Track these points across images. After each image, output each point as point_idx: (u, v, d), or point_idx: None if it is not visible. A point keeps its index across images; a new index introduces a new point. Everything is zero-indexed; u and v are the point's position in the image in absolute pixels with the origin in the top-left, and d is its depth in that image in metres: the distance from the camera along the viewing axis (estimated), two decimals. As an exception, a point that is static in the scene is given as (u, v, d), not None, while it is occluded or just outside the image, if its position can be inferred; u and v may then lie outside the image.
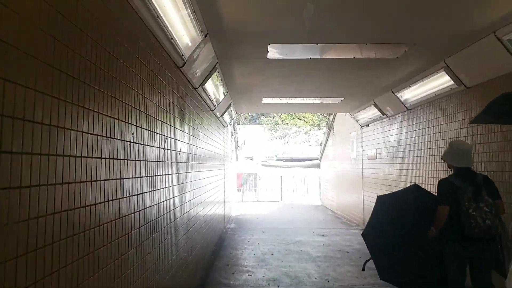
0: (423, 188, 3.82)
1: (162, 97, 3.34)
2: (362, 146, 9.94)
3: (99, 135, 1.92)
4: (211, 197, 7.14)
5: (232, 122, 12.53)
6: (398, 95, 6.86)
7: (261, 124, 30.54)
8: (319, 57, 4.89)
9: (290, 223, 10.69)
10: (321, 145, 15.86)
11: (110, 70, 2.09)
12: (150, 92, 2.93)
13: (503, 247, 3.15)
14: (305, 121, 30.07)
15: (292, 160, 25.60)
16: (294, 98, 8.04)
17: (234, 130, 13.56)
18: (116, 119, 2.18)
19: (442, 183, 3.37)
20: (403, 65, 5.37)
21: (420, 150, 6.55)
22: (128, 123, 2.38)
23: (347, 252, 7.08)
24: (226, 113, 8.85)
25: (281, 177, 18.51)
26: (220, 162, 8.97)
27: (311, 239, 8.26)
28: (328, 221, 11.19)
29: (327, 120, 14.54)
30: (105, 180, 1.98)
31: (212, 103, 6.34)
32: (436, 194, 3.49)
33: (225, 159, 10.18)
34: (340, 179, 12.41)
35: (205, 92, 5.39)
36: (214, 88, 6.00)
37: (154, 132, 3.00)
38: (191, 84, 4.67)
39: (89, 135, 1.80)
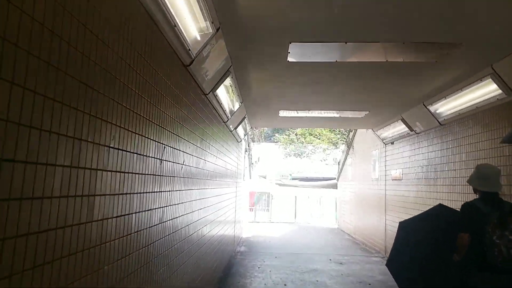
0: (449, 207, 3.63)
1: (162, 97, 2.77)
2: (385, 166, 9.19)
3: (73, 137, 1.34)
4: (220, 217, 6.51)
5: (246, 138, 11.97)
6: (431, 108, 6.17)
7: (276, 142, 30.08)
8: (345, 60, 4.29)
9: (304, 248, 9.88)
10: (338, 164, 15.09)
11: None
12: (145, 89, 2.37)
13: None
14: (320, 139, 29.49)
15: (307, 179, 24.79)
16: (313, 111, 7.42)
17: (248, 146, 12.98)
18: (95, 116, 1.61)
19: (465, 207, 3.15)
20: (440, 71, 4.72)
21: (455, 170, 5.80)
22: (108, 122, 1.80)
23: (369, 284, 6.28)
24: (240, 126, 8.28)
25: (295, 197, 17.70)
26: (232, 179, 8.36)
27: (328, 267, 7.47)
28: (346, 246, 10.34)
29: (346, 137, 13.82)
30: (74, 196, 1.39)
31: (225, 113, 5.77)
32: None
33: (237, 177, 9.55)
34: (360, 201, 11.59)
35: (217, 100, 4.83)
36: (227, 97, 5.45)
37: (147, 137, 2.42)
38: (201, 89, 4.12)
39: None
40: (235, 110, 6.25)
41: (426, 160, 6.84)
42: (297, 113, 7.57)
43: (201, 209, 4.60)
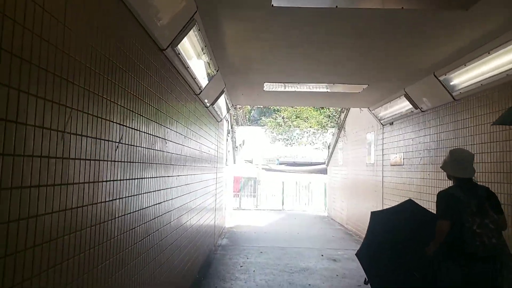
0: (419, 204, 3.76)
1: (100, 57, 1.67)
2: (382, 150, 8.24)
3: None
4: (196, 208, 5.51)
5: (228, 118, 10.86)
6: (443, 79, 5.16)
7: (263, 126, 29.04)
8: (346, 6, 3.21)
9: (293, 240, 8.96)
10: (328, 148, 14.16)
11: None
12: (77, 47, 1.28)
13: (503, 266, 2.86)
14: (308, 122, 28.51)
15: (294, 164, 23.93)
16: (303, 85, 6.35)
17: (231, 128, 11.89)
18: None
19: (442, 196, 3.07)
20: (464, 29, 3.70)
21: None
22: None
23: None
24: (219, 102, 7.18)
25: (283, 182, 16.78)
26: (211, 164, 7.31)
27: (320, 265, 6.54)
28: (339, 238, 9.45)
29: (337, 119, 12.82)
30: None
31: (196, 82, 4.66)
32: (432, 211, 3.30)
33: (218, 161, 8.50)
34: (352, 187, 10.69)
35: (181, 61, 3.72)
36: (197, 60, 4.32)
37: (92, 114, 1.36)
38: (155, 42, 3.00)
39: None
40: (209, 79, 5.14)
41: (434, 143, 5.87)
42: (285, 87, 6.49)
43: (167, 200, 3.60)
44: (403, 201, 3.81)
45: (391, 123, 7.75)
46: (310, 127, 29.09)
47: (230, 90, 6.97)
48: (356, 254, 3.69)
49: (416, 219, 3.46)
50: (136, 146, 2.65)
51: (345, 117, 11.61)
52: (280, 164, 23.67)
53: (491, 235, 2.80)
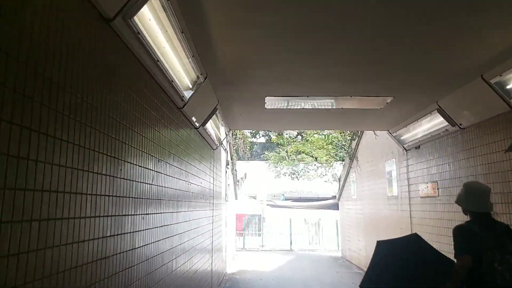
0: (424, 240, 3.61)
1: None
2: (408, 179, 6.98)
3: None
4: (187, 251, 4.27)
5: (227, 147, 9.72)
6: (496, 81, 4.03)
7: (266, 160, 27.94)
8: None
9: (305, 289, 7.50)
10: (339, 181, 12.86)
11: None
12: None
13: None
14: (313, 156, 27.42)
15: (301, 199, 22.48)
16: (312, 100, 5.25)
17: (231, 159, 10.72)
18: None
19: (458, 230, 2.84)
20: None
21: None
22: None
23: None
24: (214, 125, 6.07)
25: (290, 220, 15.32)
26: (205, 200, 6.11)
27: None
28: (359, 285, 7.94)
29: (347, 148, 11.61)
30: None
31: (175, 88, 3.56)
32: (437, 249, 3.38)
33: (215, 196, 7.27)
34: (371, 224, 9.31)
35: (143, 45, 2.60)
36: (170, 50, 3.20)
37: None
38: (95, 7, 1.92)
39: None
40: (195, 88, 4.05)
41: (482, 167, 4.64)
42: (288, 104, 5.38)
43: (141, 246, 2.41)
44: (408, 234, 3.63)
45: (417, 147, 6.55)
46: (316, 159, 27.92)
47: (225, 110, 5.86)
48: (360, 286, 3.48)
49: (422, 255, 3.35)
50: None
51: (357, 145, 10.43)
52: (286, 199, 22.23)
53: None
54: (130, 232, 2.54)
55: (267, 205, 18.61)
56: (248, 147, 33.93)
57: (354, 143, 10.75)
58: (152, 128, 3.13)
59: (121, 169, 2.36)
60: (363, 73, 4.24)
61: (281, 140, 29.62)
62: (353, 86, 4.72)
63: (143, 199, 2.90)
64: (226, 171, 9.58)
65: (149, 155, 3.01)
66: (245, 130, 16.46)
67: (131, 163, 2.56)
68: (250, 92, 4.93)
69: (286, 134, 32.26)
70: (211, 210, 6.69)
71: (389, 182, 8.01)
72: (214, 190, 7.16)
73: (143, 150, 2.85)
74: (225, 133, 7.14)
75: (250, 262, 11.26)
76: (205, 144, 6.01)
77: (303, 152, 26.85)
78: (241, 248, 14.50)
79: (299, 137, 32.30)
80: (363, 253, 9.91)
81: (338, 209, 19.08)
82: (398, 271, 3.26)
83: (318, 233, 15.63)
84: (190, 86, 4.03)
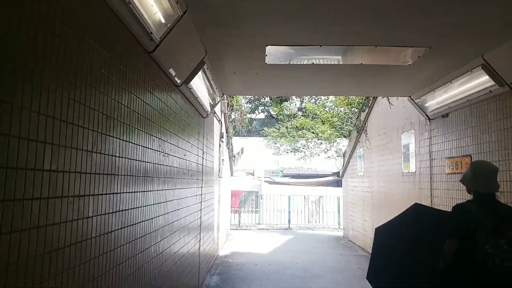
0: (427, 206, 3.78)
1: None
2: (430, 154, 6.00)
3: None
4: (165, 239, 3.33)
5: (222, 118, 8.66)
6: None
7: (265, 136, 26.99)
8: None
9: (309, 278, 6.64)
10: (343, 157, 11.89)
11: None
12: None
13: None
14: (314, 132, 26.43)
15: (299, 176, 21.63)
16: (322, 55, 4.16)
17: (226, 132, 9.69)
18: None
19: (456, 210, 2.80)
20: None
21: None
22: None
23: None
24: (201, 85, 5.00)
25: (289, 197, 14.46)
26: (193, 177, 5.16)
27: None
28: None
29: (355, 120, 10.56)
30: None
31: (143, 23, 2.50)
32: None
33: (205, 172, 6.31)
34: (380, 203, 8.40)
35: None
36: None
37: None
38: None
39: None
40: (170, 24, 2.96)
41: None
42: (293, 57, 4.29)
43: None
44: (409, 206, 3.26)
45: (445, 116, 5.52)
46: (317, 135, 26.88)
47: (216, 66, 4.76)
48: (367, 278, 3.26)
49: (426, 223, 3.06)
50: None
51: (367, 116, 9.39)
52: (284, 176, 21.35)
53: (504, 257, 2.48)
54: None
55: (265, 181, 17.73)
56: (247, 121, 32.78)
57: (363, 115, 9.71)
58: (114, 83, 2.10)
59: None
60: (396, 14, 3.16)
61: (281, 116, 28.53)
62: (381, 32, 3.62)
63: (92, 174, 1.91)
64: (220, 145, 8.57)
65: (110, 118, 1.99)
66: (243, 103, 15.25)
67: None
68: (247, 39, 3.82)
69: (287, 110, 31.17)
70: (199, 187, 5.73)
71: (405, 157, 7.03)
72: (204, 165, 6.17)
73: (100, 111, 1.82)
74: (218, 99, 6.07)
75: (245, 242, 10.43)
76: (191, 109, 4.96)
77: (304, 128, 25.83)
78: (237, 227, 13.70)
79: (300, 113, 31.24)
80: (369, 233, 9.05)
81: (338, 186, 18.33)
82: (400, 254, 3.06)
83: (318, 211, 14.82)
84: (163, 21, 2.95)
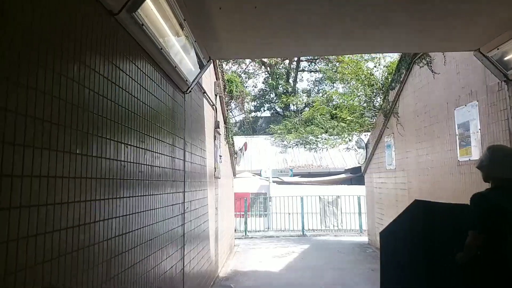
0: (430, 201, 3.49)
1: None
2: (510, 130, 4.16)
3: None
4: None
5: (216, 101, 6.87)
6: None
7: (271, 134, 25.24)
8: None
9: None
10: (365, 148, 10.04)
11: None
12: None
13: None
14: (321, 127, 24.88)
15: (310, 175, 19.74)
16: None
17: (224, 121, 7.90)
18: None
19: (476, 200, 2.58)
20: None
21: None
22: None
23: None
24: (175, 34, 3.22)
25: (302, 198, 12.62)
26: (171, 180, 3.40)
27: None
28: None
29: (382, 104, 8.65)
30: None
31: None
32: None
33: (193, 174, 4.58)
34: (421, 204, 6.53)
35: None
36: None
37: None
38: None
39: None
40: None
41: None
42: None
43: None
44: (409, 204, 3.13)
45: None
46: (326, 132, 25.03)
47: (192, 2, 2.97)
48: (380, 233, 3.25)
49: (434, 219, 2.92)
50: None
51: (398, 95, 7.53)
52: (294, 175, 19.46)
53: None
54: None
55: (273, 182, 15.91)
56: (252, 106, 30.98)
57: (391, 94, 7.86)
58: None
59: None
60: None
61: (288, 112, 26.63)
62: None
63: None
64: (216, 137, 6.81)
65: None
66: (245, 89, 13.25)
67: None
68: None
69: (293, 105, 29.34)
70: (179, 193, 3.96)
71: (462, 139, 5.19)
72: (189, 165, 4.41)
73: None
74: (205, 64, 4.28)
75: (252, 255, 8.63)
76: (155, 75, 3.20)
77: (312, 123, 23.91)
78: (243, 235, 11.90)
79: (307, 109, 29.34)
80: (407, 242, 7.19)
81: (352, 184, 16.42)
82: (408, 258, 2.91)
83: (336, 214, 12.95)
84: None
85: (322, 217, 12.96)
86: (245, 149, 11.33)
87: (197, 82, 4.82)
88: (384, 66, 9.52)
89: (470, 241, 2.47)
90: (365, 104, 9.65)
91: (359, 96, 9.95)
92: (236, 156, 10.12)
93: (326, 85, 28.85)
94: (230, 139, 8.79)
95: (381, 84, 9.18)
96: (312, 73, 32.12)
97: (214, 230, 6.40)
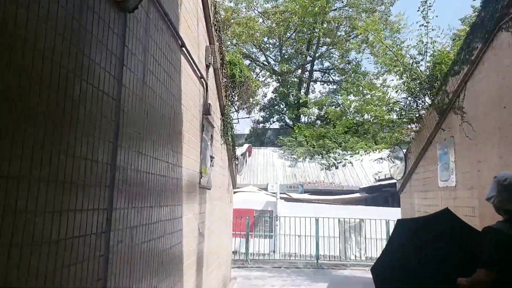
0: (457, 217, 3.01)
1: None
2: None
3: None
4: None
5: (206, 71, 4.74)
6: None
7: (280, 146, 23.18)
8: None
9: None
10: (403, 160, 7.80)
11: None
12: None
13: None
14: (335, 141, 23.16)
15: (320, 192, 17.38)
16: None
17: (222, 114, 5.78)
18: None
19: (489, 235, 2.36)
20: None
21: None
22: None
23: None
24: None
25: (317, 220, 10.35)
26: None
27: None
28: None
29: (437, 97, 6.39)
30: None
31: None
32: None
33: (135, 183, 2.40)
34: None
35: None
36: None
37: None
38: None
39: None
40: None
41: None
42: None
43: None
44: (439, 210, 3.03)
45: None
46: (340, 145, 22.74)
47: None
48: (371, 270, 3.05)
49: (452, 234, 2.83)
50: None
51: (464, 82, 5.35)
52: (305, 192, 17.13)
53: None
54: None
55: (281, 198, 13.65)
56: (260, 117, 28.85)
57: (453, 82, 5.67)
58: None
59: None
60: None
61: (298, 124, 24.65)
62: None
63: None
64: (204, 128, 4.70)
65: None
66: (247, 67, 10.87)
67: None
68: None
69: (304, 116, 27.30)
70: (101, 209, 1.80)
71: None
72: (127, 170, 2.27)
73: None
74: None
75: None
76: None
77: (324, 137, 21.79)
78: (242, 263, 9.62)
79: (318, 122, 27.26)
80: None
81: (367, 205, 14.13)
82: (412, 253, 2.84)
83: (359, 242, 10.59)
84: None
85: (341, 244, 10.61)
86: (249, 155, 9.21)
87: (164, 13, 2.73)
88: (430, 56, 7.38)
89: (477, 277, 2.25)
90: (407, 101, 7.40)
91: (398, 90, 7.74)
92: (237, 162, 7.96)
93: (339, 96, 26.78)
94: (230, 138, 6.65)
95: (427, 76, 7.02)
96: (325, 84, 30.30)
97: (194, 268, 4.22)
